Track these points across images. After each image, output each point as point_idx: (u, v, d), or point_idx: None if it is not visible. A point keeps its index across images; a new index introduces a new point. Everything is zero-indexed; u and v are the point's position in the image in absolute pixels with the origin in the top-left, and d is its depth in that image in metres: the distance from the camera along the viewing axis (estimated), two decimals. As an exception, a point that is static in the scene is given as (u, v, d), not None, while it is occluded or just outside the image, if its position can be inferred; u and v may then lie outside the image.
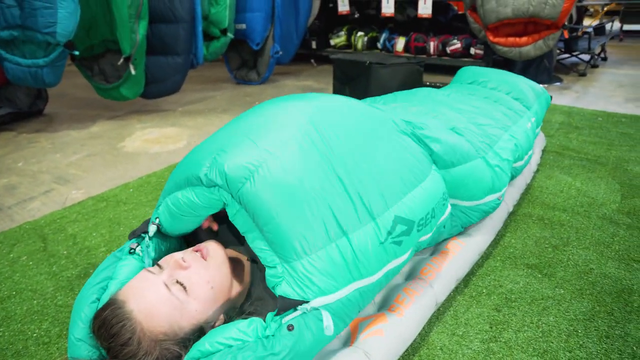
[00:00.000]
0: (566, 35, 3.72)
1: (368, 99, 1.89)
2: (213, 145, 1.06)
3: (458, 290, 1.41)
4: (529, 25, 3.55)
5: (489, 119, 1.74)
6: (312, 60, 5.56)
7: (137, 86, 3.30)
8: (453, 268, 1.36)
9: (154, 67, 3.36)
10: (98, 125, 3.31)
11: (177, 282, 0.97)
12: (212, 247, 1.06)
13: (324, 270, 0.94)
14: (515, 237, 1.69)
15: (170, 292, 0.96)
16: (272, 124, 1.08)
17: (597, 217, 1.82)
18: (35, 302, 1.43)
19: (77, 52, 2.91)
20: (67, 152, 2.78)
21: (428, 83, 4.09)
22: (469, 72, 2.25)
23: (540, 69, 4.04)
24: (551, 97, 2.34)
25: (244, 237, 1.04)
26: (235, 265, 1.12)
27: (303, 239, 0.94)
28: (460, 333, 1.25)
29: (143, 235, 1.14)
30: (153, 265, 1.10)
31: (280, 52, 4.27)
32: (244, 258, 1.15)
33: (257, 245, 0.97)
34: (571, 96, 3.74)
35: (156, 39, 3.31)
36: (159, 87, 3.47)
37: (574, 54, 4.73)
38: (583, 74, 4.45)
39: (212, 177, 0.99)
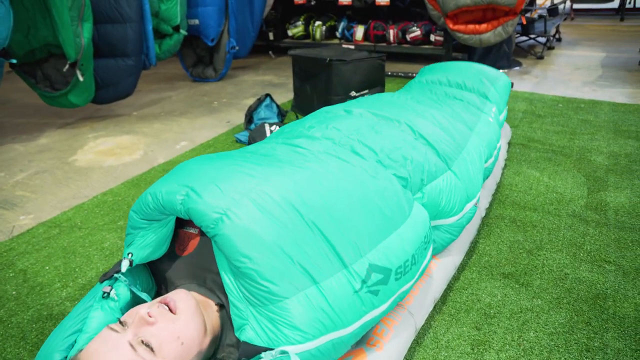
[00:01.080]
0: (524, 21, 3.74)
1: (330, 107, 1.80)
2: (184, 178, 1.03)
3: (436, 308, 1.38)
4: (488, 11, 3.53)
5: (454, 121, 1.70)
6: (270, 52, 5.41)
7: (87, 92, 3.09)
8: (430, 289, 1.32)
9: (104, 71, 3.16)
10: (47, 136, 3.10)
11: (143, 342, 0.88)
12: (180, 298, 0.97)
13: (291, 319, 0.90)
14: (489, 242, 1.67)
15: (136, 353, 0.87)
16: (246, 172, 1.05)
17: (567, 215, 1.82)
18: (-18, 357, 1.31)
19: (14, 61, 2.69)
20: (13, 170, 2.57)
21: (390, 73, 4.04)
22: (425, 71, 2.21)
23: (500, 54, 4.06)
24: (512, 83, 2.33)
25: (203, 271, 1.05)
26: (204, 311, 1.04)
27: (270, 285, 0.90)
28: (442, 358, 1.21)
29: (116, 276, 1.08)
30: (123, 313, 1.04)
31: (237, 47, 4.11)
32: (212, 303, 1.07)
33: (227, 282, 0.95)
34: (531, 81, 3.78)
35: (103, 41, 3.10)
36: (110, 92, 3.27)
37: (531, 36, 4.78)
38: (541, 57, 4.50)
39: (186, 213, 0.97)
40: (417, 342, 1.25)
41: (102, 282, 1.08)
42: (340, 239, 0.99)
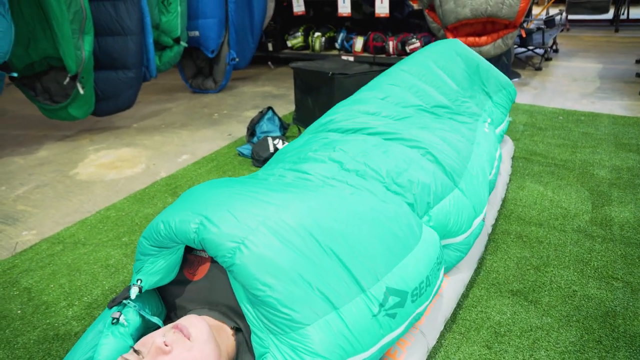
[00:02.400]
0: (524, 34, 3.77)
1: (331, 113, 1.80)
2: (196, 206, 1.02)
3: (446, 327, 1.37)
4: (488, 24, 3.56)
5: (456, 134, 1.70)
6: (269, 63, 5.42)
7: (87, 105, 3.08)
8: (441, 308, 1.32)
9: (104, 83, 3.15)
10: (46, 148, 3.08)
11: None
12: (194, 324, 0.96)
13: (312, 346, 0.89)
14: (496, 259, 1.67)
15: None
16: (261, 199, 1.05)
17: (572, 230, 1.82)
18: (-12, 379, 1.29)
19: (15, 74, 2.68)
20: (14, 184, 2.56)
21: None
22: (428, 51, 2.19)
23: (499, 66, 4.07)
24: (519, 74, 2.29)
25: (216, 296, 1.04)
26: (218, 335, 1.03)
27: (291, 312, 0.90)
28: (455, 378, 1.20)
29: (125, 302, 1.07)
30: (134, 338, 1.04)
31: (237, 59, 4.12)
32: (226, 327, 1.06)
33: (246, 312, 0.94)
34: (530, 93, 3.80)
35: (104, 54, 3.10)
36: (110, 104, 3.26)
37: (529, 48, 4.82)
38: (539, 68, 4.54)
39: (200, 243, 0.96)
40: (429, 362, 1.25)
41: (110, 307, 1.07)
42: (357, 263, 0.99)
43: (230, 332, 1.04)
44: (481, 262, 1.65)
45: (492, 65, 2.18)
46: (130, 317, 1.04)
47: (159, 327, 1.10)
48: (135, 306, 1.05)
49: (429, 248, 1.16)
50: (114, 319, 1.02)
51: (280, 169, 1.38)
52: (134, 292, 1.05)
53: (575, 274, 1.58)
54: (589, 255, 1.67)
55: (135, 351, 0.91)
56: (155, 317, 1.08)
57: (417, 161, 1.43)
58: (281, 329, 0.89)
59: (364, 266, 0.99)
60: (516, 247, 1.73)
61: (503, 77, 2.16)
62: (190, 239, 0.96)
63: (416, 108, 1.84)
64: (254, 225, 0.95)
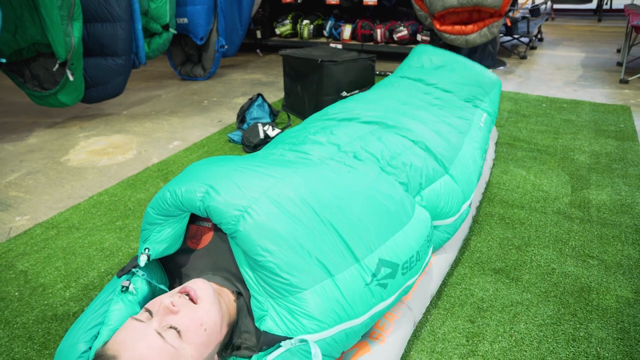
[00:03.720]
0: (509, 23, 3.83)
1: (327, 109, 1.85)
2: (202, 176, 1.07)
3: (432, 303, 1.44)
4: (474, 13, 3.61)
5: (448, 126, 1.76)
6: (258, 50, 5.43)
7: (77, 92, 3.08)
8: (427, 284, 1.39)
9: (93, 70, 3.15)
10: (36, 135, 3.08)
11: (171, 327, 0.92)
12: (200, 288, 1.01)
13: (309, 309, 0.95)
14: (480, 239, 1.74)
15: (164, 340, 0.91)
16: (263, 172, 1.11)
17: (553, 212, 1.90)
18: (-10, 357, 1.33)
19: (3, 60, 2.67)
20: (4, 171, 2.56)
21: (378, 72, 4.10)
22: (420, 52, 2.26)
23: (485, 54, 4.15)
24: (505, 63, 2.36)
25: (219, 263, 1.09)
26: (220, 299, 1.08)
27: (290, 277, 0.95)
28: (439, 350, 1.28)
29: (134, 270, 1.11)
30: (142, 306, 1.08)
31: (226, 46, 4.12)
32: (228, 291, 1.11)
33: (246, 277, 0.99)
34: (515, 81, 3.88)
35: (93, 40, 3.09)
36: (100, 91, 3.26)
37: (515, 37, 4.89)
38: (524, 57, 4.61)
39: (205, 210, 1.01)
40: (415, 335, 1.32)
41: (119, 276, 1.11)
42: (352, 235, 1.05)
43: (232, 296, 1.10)
44: (466, 242, 1.72)
45: (478, 65, 2.24)
46: (139, 285, 1.08)
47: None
48: (143, 274, 1.10)
49: (420, 225, 1.23)
50: (123, 287, 1.06)
51: (280, 149, 1.43)
52: (142, 259, 1.09)
53: (554, 253, 1.66)
54: (568, 236, 1.75)
55: (148, 310, 0.96)
56: (162, 285, 1.13)
57: (410, 148, 1.50)
58: (279, 293, 0.95)
59: (358, 238, 1.06)
60: (499, 228, 1.80)
61: (492, 76, 2.24)
62: (196, 206, 1.01)
63: (409, 105, 1.90)
64: (256, 195, 1.00)
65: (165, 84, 4.27)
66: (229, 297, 1.09)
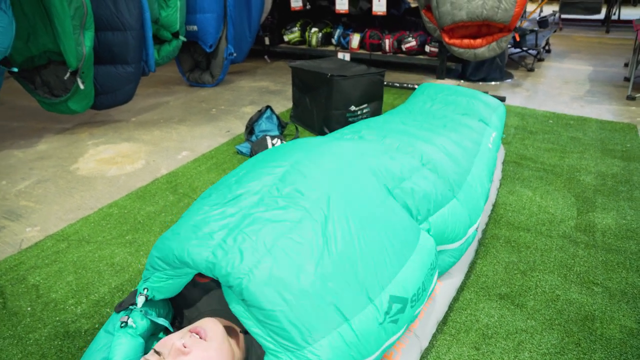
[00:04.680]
0: (517, 38, 3.84)
1: (338, 132, 1.87)
2: (202, 227, 1.05)
3: (438, 328, 1.46)
4: (483, 27, 3.63)
5: (458, 147, 1.78)
6: (266, 57, 5.45)
7: (87, 99, 3.11)
8: (434, 311, 1.40)
9: (104, 78, 3.18)
10: (45, 141, 3.11)
11: None
12: (209, 327, 1.03)
13: (326, 357, 0.94)
14: (485, 263, 1.76)
15: None
16: (267, 218, 1.08)
17: (558, 236, 1.92)
18: (3, 374, 1.35)
19: (15, 69, 2.71)
20: (15, 178, 2.60)
21: (386, 83, 4.12)
22: (425, 88, 2.29)
23: (492, 67, 4.16)
24: (505, 97, 2.40)
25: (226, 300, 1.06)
26: (229, 336, 1.10)
27: (306, 330, 0.94)
28: (445, 378, 1.29)
29: (131, 307, 1.12)
30: (144, 338, 1.10)
31: (234, 54, 4.15)
32: (237, 329, 1.13)
33: (259, 334, 0.96)
34: (522, 95, 3.89)
35: (104, 48, 3.12)
36: (109, 98, 3.29)
37: (523, 49, 4.90)
38: (531, 69, 4.62)
39: (211, 272, 0.99)
40: (420, 362, 1.34)
41: (118, 312, 1.13)
42: (365, 274, 1.04)
43: (239, 333, 1.12)
44: (472, 266, 1.74)
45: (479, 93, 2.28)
46: (138, 319, 1.10)
47: (166, 327, 1.17)
48: (141, 311, 1.11)
49: (425, 254, 1.23)
50: (122, 322, 1.08)
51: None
52: (140, 300, 1.10)
53: (559, 278, 1.67)
54: (572, 261, 1.77)
55: (157, 352, 0.98)
56: (162, 319, 1.14)
57: (420, 170, 1.50)
58: (294, 345, 0.93)
59: (370, 277, 1.05)
60: (505, 252, 1.82)
61: (493, 99, 2.27)
62: (201, 268, 1.01)
63: (418, 126, 1.91)
64: (262, 252, 0.99)
65: (174, 90, 4.29)
66: (236, 334, 1.10)
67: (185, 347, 0.96)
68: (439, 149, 1.70)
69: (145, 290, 1.12)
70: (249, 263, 0.97)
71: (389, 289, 1.06)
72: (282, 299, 0.94)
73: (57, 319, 1.54)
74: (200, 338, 1.00)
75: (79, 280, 1.73)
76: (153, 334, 1.18)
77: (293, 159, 1.28)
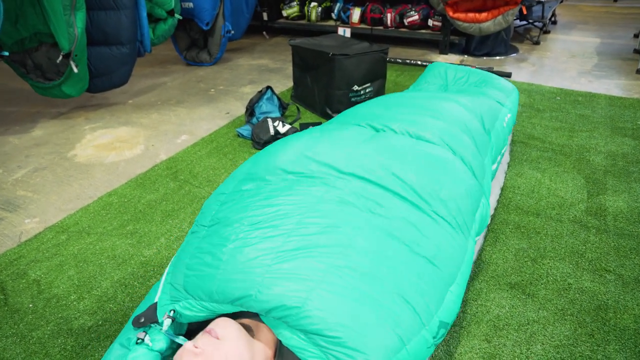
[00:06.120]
0: (524, 11, 3.72)
1: (350, 115, 1.78)
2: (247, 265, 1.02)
3: (448, 321, 1.43)
4: (488, 0, 3.50)
5: (474, 130, 1.71)
6: (264, 33, 5.31)
7: (81, 83, 3.03)
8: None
9: (98, 60, 3.08)
10: (41, 127, 3.04)
11: None
12: (220, 325, 1.01)
13: None
14: (495, 250, 1.72)
15: None
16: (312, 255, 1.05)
17: (569, 220, 1.87)
18: (7, 375, 1.33)
19: (6, 53, 2.62)
20: (11, 167, 2.54)
21: (388, 59, 4.01)
22: (439, 71, 2.20)
23: (497, 41, 4.04)
24: (510, 73, 2.33)
25: None
26: (256, 333, 1.08)
27: (365, 356, 0.93)
28: (456, 373, 1.27)
29: (151, 325, 1.08)
30: (162, 355, 1.07)
31: (232, 32, 4.03)
32: (263, 326, 1.10)
33: (313, 353, 0.96)
34: (529, 70, 3.79)
35: (96, 29, 3.01)
36: (105, 81, 3.20)
37: (529, 21, 4.76)
38: (537, 42, 4.50)
39: (264, 309, 0.98)
40: (432, 356, 1.31)
41: (136, 327, 1.08)
42: (418, 300, 1.03)
43: (270, 333, 1.08)
44: (481, 253, 1.70)
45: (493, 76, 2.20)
46: (155, 336, 1.05)
47: None
48: (163, 330, 1.05)
49: (467, 270, 1.23)
50: (139, 339, 1.04)
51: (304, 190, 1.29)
52: (166, 324, 1.04)
53: (571, 266, 1.64)
54: (584, 247, 1.73)
55: None
56: (181, 337, 1.06)
57: (462, 179, 1.39)
58: None
59: (422, 302, 1.04)
60: (514, 238, 1.78)
61: (507, 82, 2.20)
62: (250, 307, 1.00)
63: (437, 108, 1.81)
64: (312, 284, 0.97)
65: (171, 70, 4.19)
66: (265, 331, 1.08)
67: (196, 347, 0.95)
68: (459, 127, 1.63)
69: (172, 312, 1.06)
70: (299, 297, 0.96)
71: (439, 315, 1.06)
72: (343, 326, 0.93)
73: (60, 315, 1.51)
74: (212, 337, 0.98)
75: (80, 274, 1.70)
76: (170, 347, 1.12)
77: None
